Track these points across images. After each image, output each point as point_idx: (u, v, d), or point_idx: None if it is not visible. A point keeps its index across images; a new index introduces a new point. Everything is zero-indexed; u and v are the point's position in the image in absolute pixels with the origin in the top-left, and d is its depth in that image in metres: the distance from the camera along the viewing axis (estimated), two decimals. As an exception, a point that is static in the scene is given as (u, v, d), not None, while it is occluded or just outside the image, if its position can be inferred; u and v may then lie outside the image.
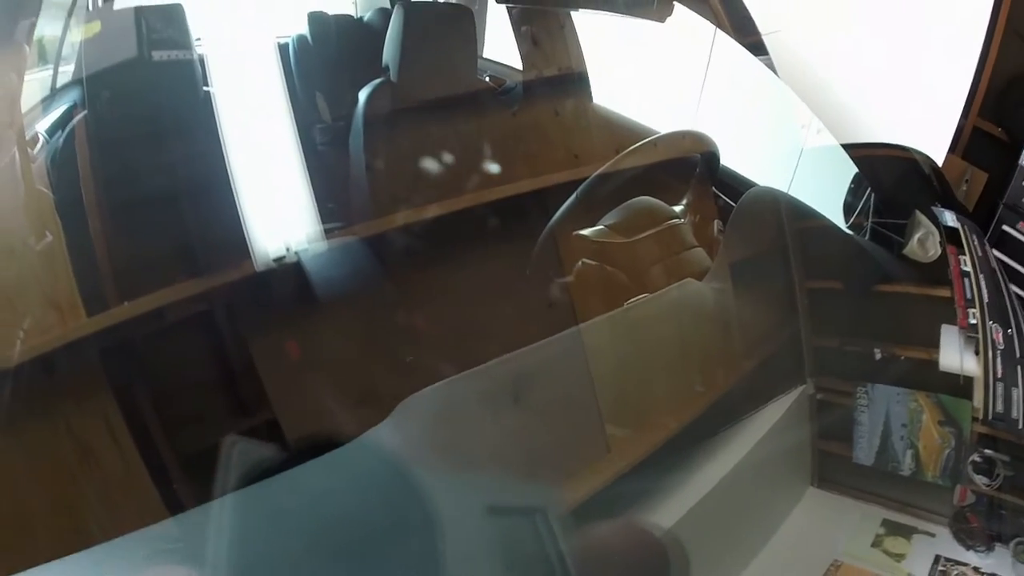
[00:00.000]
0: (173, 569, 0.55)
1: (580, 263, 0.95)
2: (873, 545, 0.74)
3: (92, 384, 0.68)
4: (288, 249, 0.78)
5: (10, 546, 0.58)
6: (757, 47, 0.95)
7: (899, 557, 0.72)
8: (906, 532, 0.74)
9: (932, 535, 0.73)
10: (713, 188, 1.02)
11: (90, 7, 0.93)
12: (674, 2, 0.89)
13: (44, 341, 0.66)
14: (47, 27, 0.82)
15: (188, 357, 0.78)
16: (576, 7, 1.07)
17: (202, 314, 0.77)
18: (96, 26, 0.88)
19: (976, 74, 1.55)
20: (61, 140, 0.80)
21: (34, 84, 0.81)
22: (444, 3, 1.25)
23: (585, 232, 0.97)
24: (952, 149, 1.58)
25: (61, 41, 0.88)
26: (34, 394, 0.61)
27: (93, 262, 0.76)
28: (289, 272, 0.78)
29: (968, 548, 0.71)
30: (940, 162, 1.54)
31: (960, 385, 0.77)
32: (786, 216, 0.92)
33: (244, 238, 0.75)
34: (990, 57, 1.55)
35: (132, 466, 0.66)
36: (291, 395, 0.76)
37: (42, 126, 0.81)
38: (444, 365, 0.72)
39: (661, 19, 0.82)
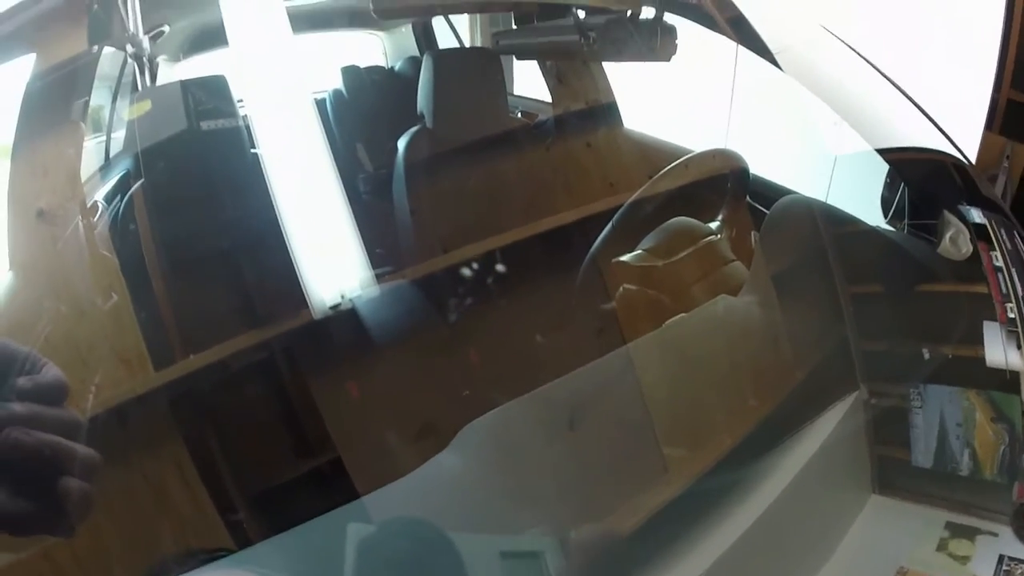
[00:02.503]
0: (232, 571, 0.58)
1: (621, 289, 0.96)
2: (938, 549, 0.72)
3: (163, 433, 0.71)
4: (343, 296, 0.80)
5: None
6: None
7: (964, 560, 0.71)
8: (970, 534, 0.72)
9: (995, 535, 0.72)
10: (748, 200, 1.03)
11: (139, 86, 0.99)
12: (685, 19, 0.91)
13: (115, 395, 0.69)
14: (95, 97, 0.87)
15: (253, 403, 0.81)
16: (581, 58, 1.10)
17: (264, 362, 0.80)
18: (146, 104, 0.93)
19: (1003, 45, 1.50)
20: (121, 207, 0.85)
21: (87, 153, 0.86)
22: (471, 48, 1.30)
23: (624, 258, 0.98)
24: (988, 126, 1.53)
25: (111, 114, 0.94)
26: (109, 444, 0.64)
27: (158, 318, 0.80)
28: (345, 318, 0.80)
29: (1029, 545, 0.70)
30: (977, 141, 1.50)
31: (1008, 380, 0.76)
32: (821, 222, 0.93)
33: (300, 288, 0.78)
34: (1014, 25, 1.50)
35: (203, 507, 0.69)
36: (353, 434, 0.79)
37: (99, 194, 0.86)
38: (500, 397, 0.73)
39: (666, 59, 0.84)
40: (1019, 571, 0.68)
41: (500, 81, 1.12)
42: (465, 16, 1.32)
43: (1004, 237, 0.81)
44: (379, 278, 0.85)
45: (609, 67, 1.14)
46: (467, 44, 1.33)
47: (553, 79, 1.14)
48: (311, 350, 0.82)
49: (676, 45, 0.84)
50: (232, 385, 0.81)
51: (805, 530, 0.78)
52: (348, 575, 0.56)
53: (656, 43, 0.82)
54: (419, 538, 0.60)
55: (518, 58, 1.17)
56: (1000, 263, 0.79)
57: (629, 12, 0.84)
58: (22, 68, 0.76)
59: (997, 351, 0.76)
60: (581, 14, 0.92)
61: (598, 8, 0.87)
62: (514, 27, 1.15)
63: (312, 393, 0.80)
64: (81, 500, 0.48)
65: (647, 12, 0.85)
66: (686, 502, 0.75)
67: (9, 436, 0.46)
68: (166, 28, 1.09)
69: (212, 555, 0.62)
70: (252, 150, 0.87)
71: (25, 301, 0.70)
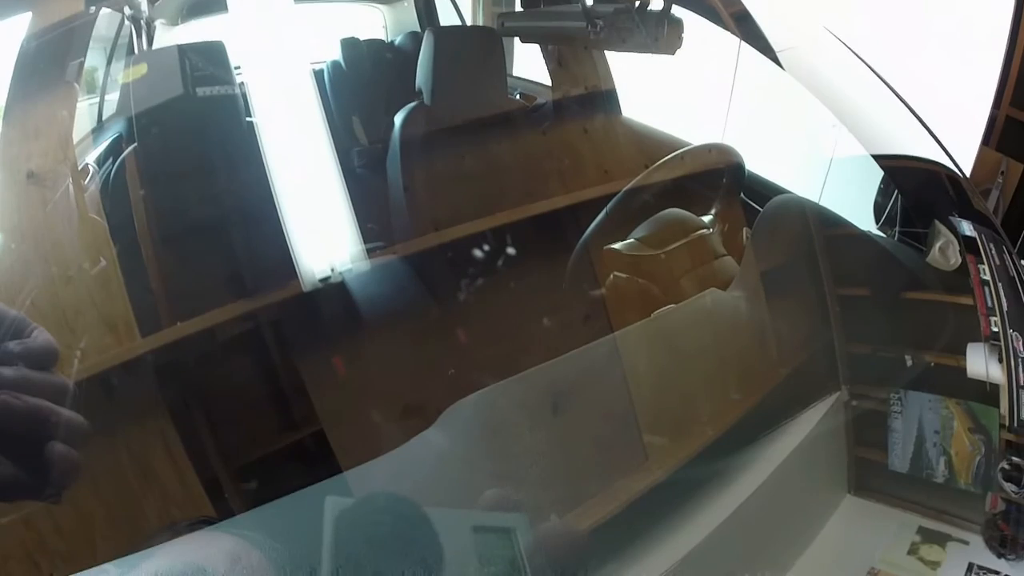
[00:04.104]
0: (218, 536, 0.58)
1: (612, 276, 0.96)
2: (909, 553, 0.73)
3: (147, 400, 0.71)
4: (333, 269, 0.80)
5: (72, 554, 0.61)
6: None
7: (934, 565, 0.72)
8: (941, 540, 0.74)
9: (966, 543, 0.73)
10: (742, 196, 1.03)
11: (135, 49, 0.98)
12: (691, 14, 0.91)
13: (101, 360, 0.69)
14: (90, 58, 0.86)
15: (239, 374, 0.81)
16: (582, 46, 1.09)
17: (252, 333, 0.80)
18: (143, 68, 0.92)
19: (1005, 63, 1.51)
20: (112, 171, 0.84)
21: (80, 116, 0.85)
22: (473, 27, 1.29)
23: (616, 246, 0.98)
24: (985, 142, 1.55)
25: (105, 76, 0.93)
26: (92, 410, 0.64)
27: (146, 285, 0.79)
28: (334, 291, 0.80)
29: (1000, 556, 0.70)
30: (973, 156, 1.51)
31: (988, 392, 0.77)
32: (813, 223, 0.93)
33: (291, 260, 0.78)
34: (1019, 44, 1.51)
35: (186, 476, 0.69)
36: (339, 409, 0.79)
37: (91, 157, 0.85)
38: (485, 378, 0.74)
39: (671, 52, 0.84)
40: (986, 581, 0.69)
41: (500, 62, 1.11)
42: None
43: (993, 252, 0.81)
44: (370, 253, 0.84)
45: (610, 54, 1.13)
46: (468, 22, 1.32)
47: (554, 63, 1.13)
48: (299, 322, 0.82)
49: (682, 39, 0.84)
50: (219, 355, 0.81)
51: (780, 525, 0.79)
52: (325, 546, 0.57)
53: (662, 35, 0.82)
54: (392, 511, 0.61)
55: (522, 41, 1.17)
56: (987, 277, 0.79)
57: (637, 2, 0.83)
58: (17, 27, 0.75)
59: (978, 363, 0.77)
60: (589, 1, 0.92)
61: (606, -5, 0.86)
62: (519, 9, 1.14)
63: (298, 366, 0.80)
64: (68, 465, 0.48)
65: (655, 4, 0.85)
66: (664, 491, 0.76)
67: None
68: (164, -10, 1.07)
69: (192, 525, 0.62)
70: (248, 118, 0.87)
71: (12, 264, 0.69)
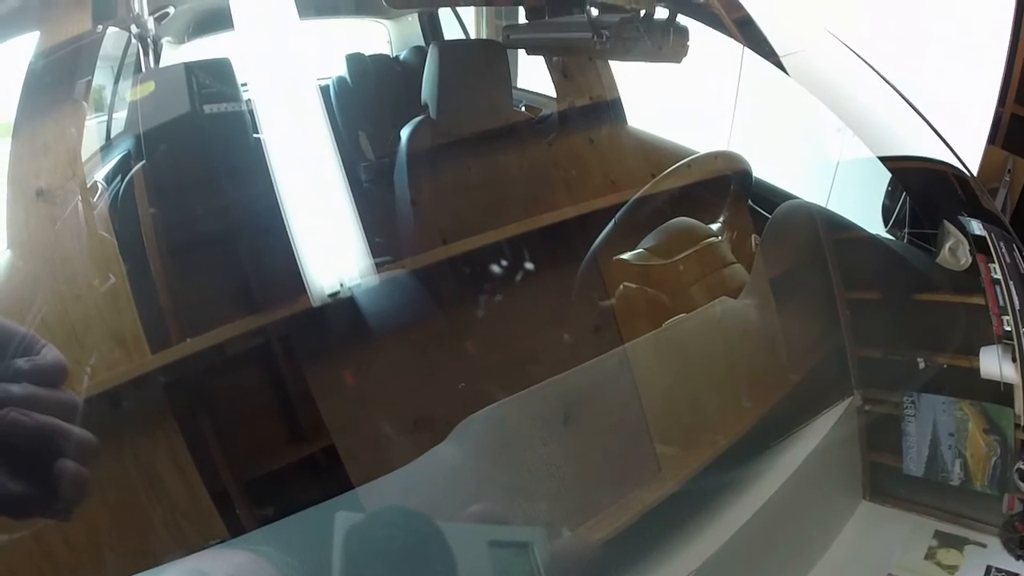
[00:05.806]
0: (229, 551, 0.58)
1: (621, 287, 0.96)
2: (926, 558, 0.73)
3: (157, 416, 0.71)
4: (342, 284, 0.80)
5: (82, 568, 0.61)
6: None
7: (952, 569, 0.71)
8: (958, 543, 0.73)
9: (984, 546, 0.72)
10: (749, 203, 1.03)
11: (142, 67, 0.98)
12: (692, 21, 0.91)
13: (111, 376, 0.69)
14: (97, 77, 0.87)
15: (248, 389, 0.81)
16: (591, 55, 1.09)
17: (261, 348, 0.80)
18: (150, 86, 0.93)
19: (1009, 59, 1.50)
20: (121, 189, 0.84)
21: (89, 133, 0.86)
22: (477, 40, 1.29)
23: (625, 256, 0.98)
24: (991, 140, 1.54)
25: (113, 94, 0.93)
26: (102, 425, 0.64)
27: (155, 301, 0.79)
28: (344, 306, 0.80)
29: (1018, 558, 0.70)
30: (980, 154, 1.51)
31: (1002, 392, 0.76)
32: (822, 228, 0.93)
33: (299, 275, 0.78)
34: (1022, 40, 1.50)
35: (196, 493, 0.69)
36: (349, 423, 0.79)
37: (100, 174, 0.86)
38: (496, 391, 0.73)
39: (677, 60, 0.84)
40: (1005, 583, 0.68)
41: (505, 74, 1.11)
42: (471, 7, 1.32)
43: (1003, 250, 0.81)
44: (378, 267, 0.85)
45: (614, 64, 1.14)
46: (472, 36, 1.33)
47: (558, 74, 1.13)
48: (309, 337, 0.82)
49: (687, 47, 0.84)
50: (229, 370, 0.81)
51: (795, 533, 0.78)
52: (337, 562, 0.56)
53: (668, 44, 0.82)
54: (407, 526, 0.61)
55: (528, 52, 1.17)
56: (998, 276, 0.79)
57: (643, 12, 0.83)
58: (25, 46, 0.76)
59: (992, 363, 0.76)
60: (594, 11, 0.92)
61: (610, 5, 0.86)
62: (524, 21, 1.15)
63: (309, 381, 0.79)
64: (77, 483, 0.48)
65: (660, 13, 0.85)
66: (678, 501, 0.75)
67: (7, 416, 0.46)
68: (171, 9, 1.08)
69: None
70: (255, 135, 0.87)
71: (22, 281, 0.69)
